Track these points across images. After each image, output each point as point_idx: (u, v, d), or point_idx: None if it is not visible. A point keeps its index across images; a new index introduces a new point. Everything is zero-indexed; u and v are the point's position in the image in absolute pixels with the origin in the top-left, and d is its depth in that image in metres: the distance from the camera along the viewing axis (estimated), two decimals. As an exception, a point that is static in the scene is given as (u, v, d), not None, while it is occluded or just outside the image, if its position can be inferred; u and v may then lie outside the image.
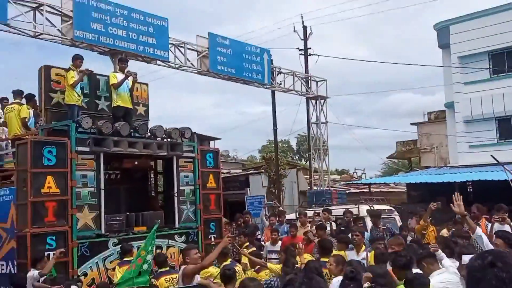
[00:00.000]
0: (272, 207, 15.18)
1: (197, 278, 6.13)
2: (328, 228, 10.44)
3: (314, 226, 10.38)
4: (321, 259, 7.16)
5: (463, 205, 5.55)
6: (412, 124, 31.23)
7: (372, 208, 12.41)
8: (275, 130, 21.71)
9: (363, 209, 12.41)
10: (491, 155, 9.83)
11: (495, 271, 1.92)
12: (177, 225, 9.23)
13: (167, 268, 7.11)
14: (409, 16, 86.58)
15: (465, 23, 23.51)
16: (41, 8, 11.78)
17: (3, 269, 8.06)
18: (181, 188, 9.49)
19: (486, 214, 8.67)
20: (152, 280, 6.70)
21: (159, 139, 9.29)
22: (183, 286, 6.09)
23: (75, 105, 9.12)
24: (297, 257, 7.16)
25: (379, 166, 48.02)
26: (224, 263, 6.80)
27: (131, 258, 7.09)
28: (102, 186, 8.23)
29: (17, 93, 10.36)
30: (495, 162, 9.58)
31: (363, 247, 8.05)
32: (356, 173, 31.70)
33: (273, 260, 8.86)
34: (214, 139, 25.94)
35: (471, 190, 18.65)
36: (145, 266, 6.59)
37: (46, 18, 11.94)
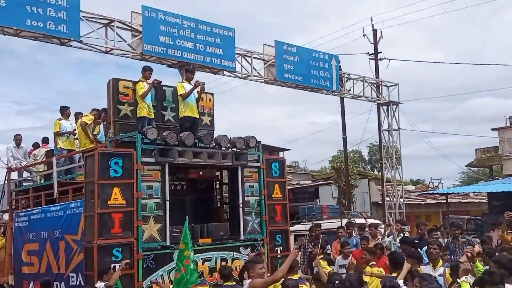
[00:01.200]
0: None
1: None
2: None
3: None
4: (393, 274, 6.71)
5: None
6: (492, 129, 29.59)
7: (351, 220, 12.48)
8: (344, 139, 21.23)
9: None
10: None
11: None
12: (242, 237, 9.03)
13: (233, 283, 6.81)
14: (487, 14, 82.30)
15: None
16: (112, 24, 12.15)
17: (73, 281, 8.20)
18: (246, 198, 9.29)
19: None
20: None
21: (224, 148, 9.17)
22: None
23: (146, 117, 9.19)
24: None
25: (457, 176, 46.02)
26: (290, 277, 6.44)
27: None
28: (167, 197, 8.19)
29: (93, 109, 10.69)
30: None
31: (441, 262, 7.43)
32: (433, 183, 30.20)
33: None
34: (284, 150, 25.81)
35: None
36: (192, 265, 6.56)
37: (117, 34, 12.29)
